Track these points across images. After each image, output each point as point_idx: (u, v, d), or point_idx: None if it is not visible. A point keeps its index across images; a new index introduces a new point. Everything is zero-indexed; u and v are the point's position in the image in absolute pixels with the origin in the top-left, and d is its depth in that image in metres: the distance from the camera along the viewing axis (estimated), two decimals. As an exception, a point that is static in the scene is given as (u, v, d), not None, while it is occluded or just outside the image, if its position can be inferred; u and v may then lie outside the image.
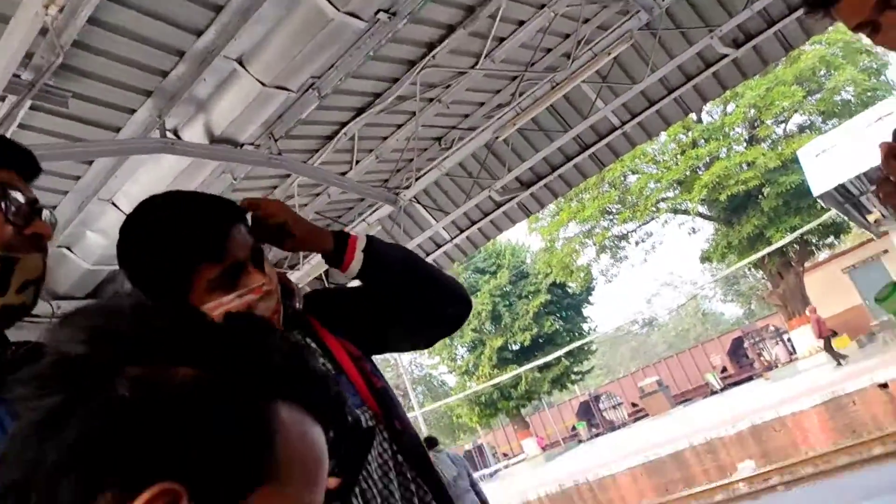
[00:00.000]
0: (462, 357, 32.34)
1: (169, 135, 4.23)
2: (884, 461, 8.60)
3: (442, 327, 1.24)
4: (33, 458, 0.42)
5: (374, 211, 5.97)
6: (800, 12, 5.71)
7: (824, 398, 12.14)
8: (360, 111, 5.20)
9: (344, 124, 5.31)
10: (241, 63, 3.97)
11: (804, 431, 12.19)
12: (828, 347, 17.32)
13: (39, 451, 0.41)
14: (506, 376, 28.14)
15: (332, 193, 6.27)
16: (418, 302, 1.18)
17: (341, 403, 0.55)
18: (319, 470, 0.48)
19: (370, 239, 1.17)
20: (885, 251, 19.62)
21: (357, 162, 5.81)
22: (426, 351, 33.26)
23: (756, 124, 23.17)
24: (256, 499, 0.43)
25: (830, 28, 20.75)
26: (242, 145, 4.65)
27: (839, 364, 15.98)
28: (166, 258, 1.06)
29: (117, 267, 1.12)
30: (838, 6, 1.18)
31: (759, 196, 22.63)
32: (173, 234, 1.07)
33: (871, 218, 16.18)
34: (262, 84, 4.00)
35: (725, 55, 6.13)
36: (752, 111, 22.56)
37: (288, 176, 5.80)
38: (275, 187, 5.96)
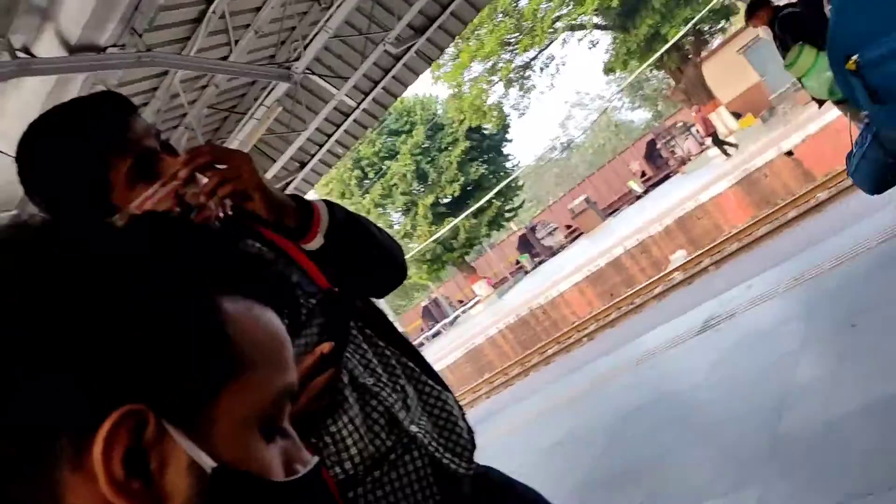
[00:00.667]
0: (399, 222, 32.61)
1: (20, 55, 3.77)
2: (798, 222, 9.34)
3: (374, 293, 1.21)
4: None
5: (269, 92, 5.62)
6: None
7: (738, 178, 12.88)
8: (223, -17, 4.72)
9: (210, 2, 4.83)
10: (73, -46, 3.48)
11: (724, 212, 13.05)
12: (716, 142, 18.21)
13: None
14: (444, 230, 28.68)
15: (220, 82, 5.85)
16: (362, 274, 1.15)
17: (284, 282, 0.52)
18: (283, 351, 0.46)
19: (331, 212, 1.08)
20: (774, 24, 20.10)
21: (236, 42, 5.37)
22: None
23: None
24: (226, 398, 0.40)
25: None
26: (105, 49, 4.20)
27: (728, 156, 16.82)
28: (74, 166, 1.00)
29: (15, 210, 1.02)
30: None
31: (650, -6, 22.45)
32: (74, 138, 1.01)
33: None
34: (107, -28, 3.54)
35: None
36: None
37: (166, 73, 5.34)
38: (154, 89, 5.50)
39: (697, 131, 24.29)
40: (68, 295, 0.38)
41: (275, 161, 7.53)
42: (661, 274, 12.35)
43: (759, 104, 20.66)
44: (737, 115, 21.19)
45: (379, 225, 1.24)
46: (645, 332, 5.36)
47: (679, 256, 12.74)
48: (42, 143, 1.04)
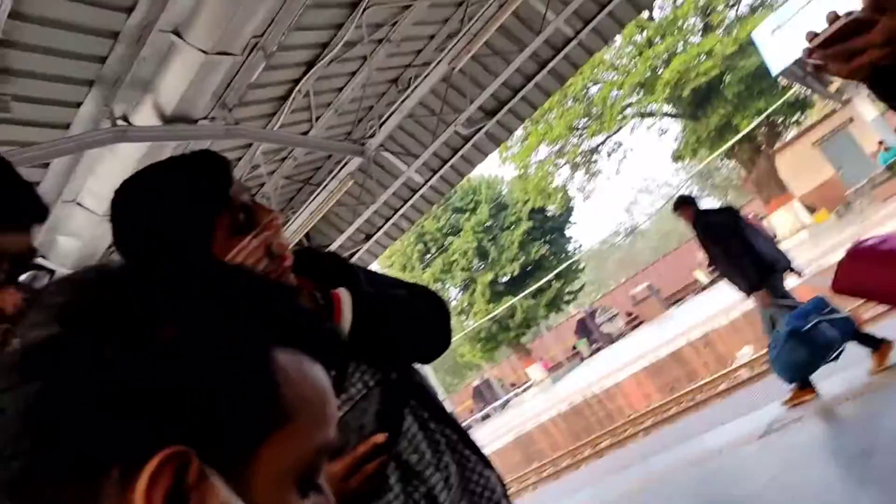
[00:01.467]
0: (456, 298, 32.65)
1: (120, 122, 4.10)
2: (877, 322, 8.89)
3: (415, 361, 1.23)
4: (27, 451, 0.39)
5: (343, 166, 5.88)
6: None
7: (812, 272, 12.43)
8: (310, 65, 5.05)
9: (297, 81, 5.17)
10: (177, 34, 3.81)
11: (796, 307, 12.51)
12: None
13: (30, 447, 0.39)
14: (501, 308, 28.51)
15: (298, 155, 6.17)
16: (402, 347, 1.18)
17: (337, 340, 0.54)
18: (326, 408, 0.46)
19: (355, 296, 1.12)
20: (851, 119, 19.80)
21: (317, 119, 5.68)
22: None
23: (708, 12, 22.90)
24: (267, 448, 0.41)
25: None
26: (197, 121, 4.52)
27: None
28: (180, 222, 1.03)
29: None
30: None
31: (722, 85, 22.58)
32: (178, 197, 1.04)
33: (832, 88, 16.24)
34: (204, 52, 3.86)
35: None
36: (703, -1, 22.29)
37: (250, 145, 5.68)
38: (238, 159, 5.84)
39: (768, 223, 23.71)
40: (136, 334, 0.40)
41: (342, 232, 7.78)
42: (726, 370, 11.85)
43: (835, 199, 20.10)
44: (811, 210, 20.65)
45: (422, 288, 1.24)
46: (705, 431, 5.12)
47: (745, 353, 12.23)
48: (144, 204, 1.06)
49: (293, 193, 7.47)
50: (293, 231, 6.39)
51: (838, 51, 1.04)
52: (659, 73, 22.42)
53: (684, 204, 5.62)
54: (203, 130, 4.59)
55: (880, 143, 16.94)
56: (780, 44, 14.74)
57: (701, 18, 23.28)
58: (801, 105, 23.82)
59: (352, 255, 8.39)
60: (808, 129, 23.11)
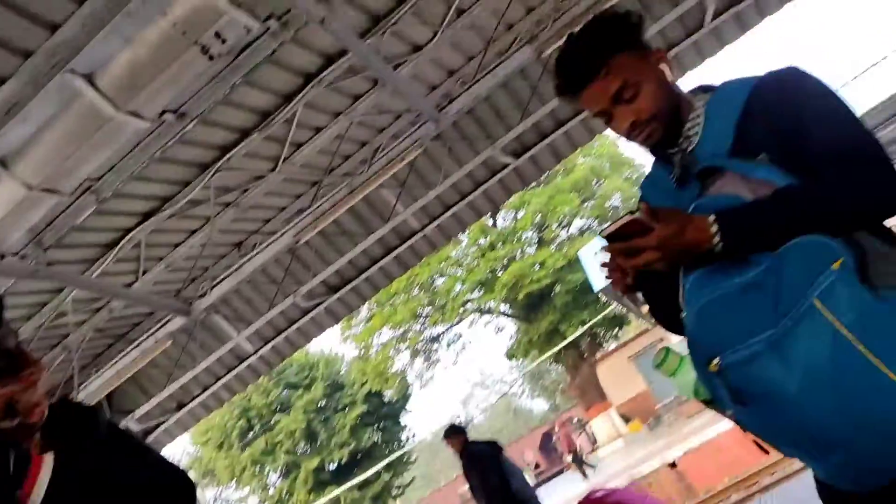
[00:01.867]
0: (274, 485, 30.06)
1: None
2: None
3: None
4: None
5: (164, 324, 5.49)
6: (567, 126, 6.52)
7: (625, 483, 12.91)
8: (147, 216, 4.86)
9: (128, 231, 4.91)
10: (2, 164, 3.55)
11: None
12: (575, 460, 18.88)
13: None
14: (322, 500, 26.50)
15: (115, 308, 5.69)
16: None
17: None
18: None
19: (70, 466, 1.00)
20: (662, 339, 22.09)
21: (144, 272, 5.36)
22: (234, 481, 30.46)
23: (543, 228, 25.58)
24: None
25: (596, 142, 23.92)
26: (3, 256, 4.10)
27: (585, 476, 17.39)
28: None
29: None
30: (582, 96, 1.36)
31: (552, 293, 24.64)
32: None
33: (644, 309, 18.20)
34: (29, 187, 3.59)
35: (507, 164, 6.74)
36: (539, 216, 24.95)
37: (61, 290, 5.18)
38: (44, 304, 5.28)
39: (590, 429, 24.85)
40: None
41: (151, 397, 7.05)
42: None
43: (647, 411, 21.69)
44: (626, 419, 22.03)
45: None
46: None
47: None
48: None
49: (102, 349, 6.78)
50: (92, 392, 5.69)
51: (622, 246, 1.19)
52: (498, 274, 24.14)
53: (454, 433, 5.93)
54: (6, 267, 4.15)
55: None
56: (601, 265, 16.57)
57: (537, 233, 25.91)
58: (619, 321, 26.40)
59: (159, 424, 7.56)
60: (625, 343, 25.44)
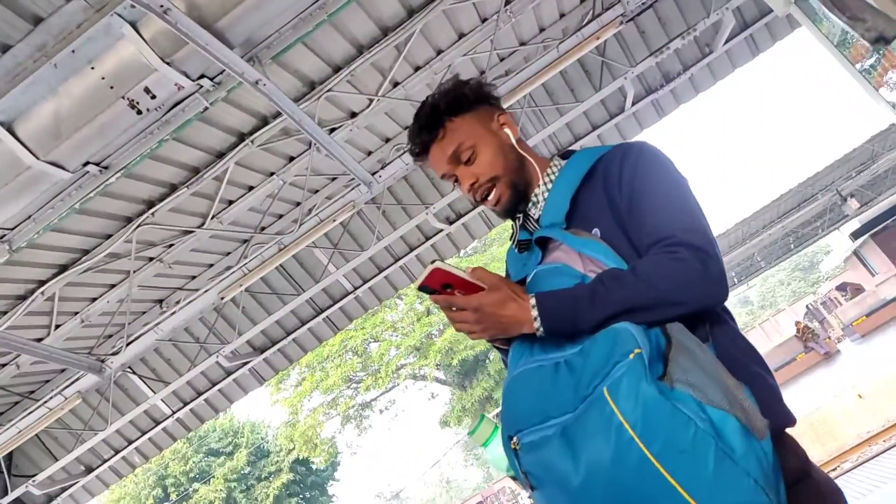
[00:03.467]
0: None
1: None
2: None
3: None
4: None
5: (74, 382, 5.22)
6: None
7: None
8: (63, 268, 4.70)
9: (42, 283, 4.73)
10: None
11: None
12: None
13: None
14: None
15: (22, 363, 5.40)
16: None
17: None
18: None
19: None
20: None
21: (56, 327, 5.14)
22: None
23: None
24: None
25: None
26: None
27: None
28: None
29: None
30: (428, 159, 1.44)
31: (487, 360, 24.64)
32: None
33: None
34: (-66, 233, 3.45)
35: (441, 230, 6.87)
36: (475, 284, 25.17)
37: (-37, 344, 4.89)
38: (-58, 357, 4.96)
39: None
40: None
41: (57, 459, 6.62)
42: None
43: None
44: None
45: None
46: None
47: None
48: None
49: (7, 407, 6.37)
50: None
51: (443, 303, 1.18)
52: (434, 339, 24.04)
53: None
54: None
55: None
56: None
57: (473, 298, 26.04)
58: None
59: (64, 489, 7.07)
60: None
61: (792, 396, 15.72)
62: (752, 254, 19.39)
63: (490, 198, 1.38)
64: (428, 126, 1.39)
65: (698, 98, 7.05)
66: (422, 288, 1.17)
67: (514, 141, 1.40)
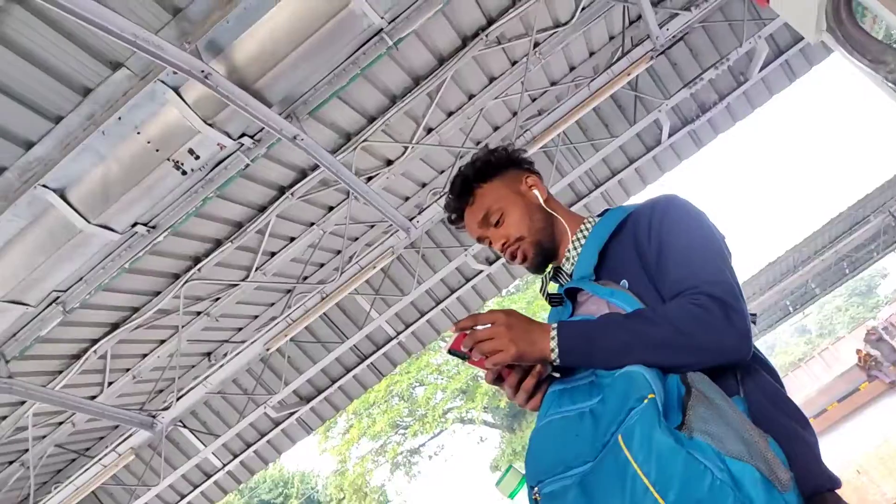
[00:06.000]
0: None
1: None
2: None
3: None
4: None
5: (127, 438, 5.31)
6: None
7: None
8: (114, 326, 4.83)
9: (95, 342, 4.86)
10: (-33, 277, 3.56)
11: None
12: None
13: None
14: None
15: (78, 422, 5.52)
16: None
17: None
18: None
19: None
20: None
21: (109, 384, 5.26)
22: None
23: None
24: None
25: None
26: (-37, 372, 4.02)
27: None
28: None
29: None
30: (464, 225, 1.53)
31: (535, 401, 24.19)
32: None
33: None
34: (-7, 299, 3.59)
35: (481, 271, 6.85)
36: (519, 323, 24.91)
37: (23, 402, 5.03)
38: (3, 417, 5.10)
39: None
40: None
41: (112, 517, 6.70)
42: None
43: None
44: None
45: None
46: None
47: None
48: None
49: (64, 465, 6.50)
50: (47, 511, 5.41)
51: (473, 339, 1.17)
52: (479, 381, 23.76)
53: None
54: (-35, 382, 4.05)
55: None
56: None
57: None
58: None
59: (118, 547, 7.12)
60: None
61: (858, 428, 14.95)
62: (806, 281, 18.77)
63: (516, 255, 1.44)
64: (459, 194, 1.50)
65: (737, 126, 6.96)
66: (451, 352, 1.19)
67: (541, 201, 1.46)
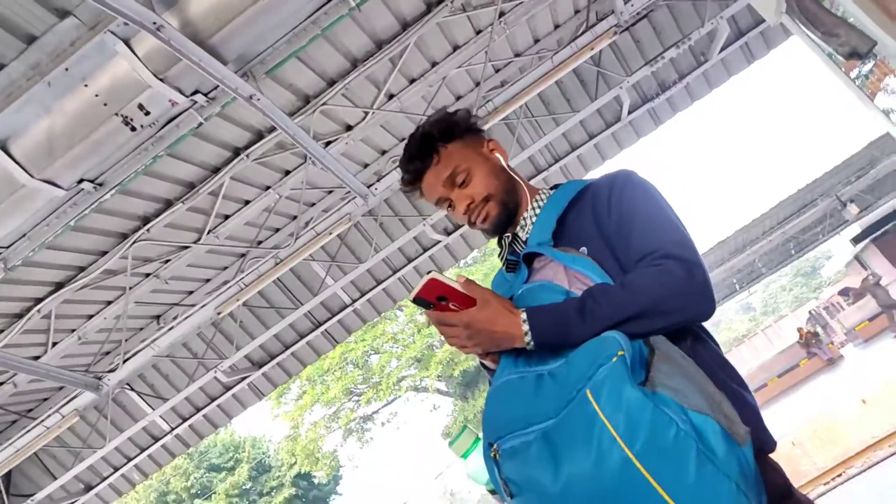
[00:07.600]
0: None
1: None
2: None
3: None
4: None
5: (72, 400, 5.19)
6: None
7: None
8: (59, 286, 4.68)
9: (38, 301, 4.71)
10: None
11: None
12: None
13: None
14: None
15: (20, 382, 5.36)
16: None
17: None
18: None
19: None
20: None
21: (54, 345, 5.11)
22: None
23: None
24: None
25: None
26: None
27: None
28: None
29: None
30: (422, 187, 1.46)
31: (488, 371, 24.56)
32: None
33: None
34: (-72, 253, 3.44)
35: (438, 241, 6.85)
36: (476, 294, 25.11)
37: (-41, 363, 4.86)
38: (-61, 377, 4.94)
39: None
40: None
41: (56, 478, 6.57)
42: None
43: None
44: None
45: None
46: None
47: None
48: None
49: (4, 426, 6.33)
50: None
51: (436, 319, 1.17)
52: (434, 350, 23.97)
53: None
54: None
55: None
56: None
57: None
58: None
59: (62, 509, 7.02)
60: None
61: (795, 402, 15.64)
62: (753, 260, 19.37)
63: (481, 215, 1.42)
64: (421, 154, 1.44)
65: (694, 106, 7.06)
66: (416, 300, 1.16)
67: (504, 164, 1.46)
